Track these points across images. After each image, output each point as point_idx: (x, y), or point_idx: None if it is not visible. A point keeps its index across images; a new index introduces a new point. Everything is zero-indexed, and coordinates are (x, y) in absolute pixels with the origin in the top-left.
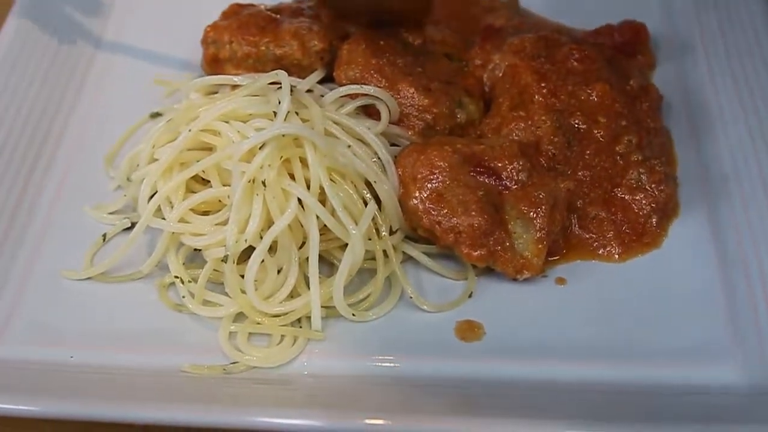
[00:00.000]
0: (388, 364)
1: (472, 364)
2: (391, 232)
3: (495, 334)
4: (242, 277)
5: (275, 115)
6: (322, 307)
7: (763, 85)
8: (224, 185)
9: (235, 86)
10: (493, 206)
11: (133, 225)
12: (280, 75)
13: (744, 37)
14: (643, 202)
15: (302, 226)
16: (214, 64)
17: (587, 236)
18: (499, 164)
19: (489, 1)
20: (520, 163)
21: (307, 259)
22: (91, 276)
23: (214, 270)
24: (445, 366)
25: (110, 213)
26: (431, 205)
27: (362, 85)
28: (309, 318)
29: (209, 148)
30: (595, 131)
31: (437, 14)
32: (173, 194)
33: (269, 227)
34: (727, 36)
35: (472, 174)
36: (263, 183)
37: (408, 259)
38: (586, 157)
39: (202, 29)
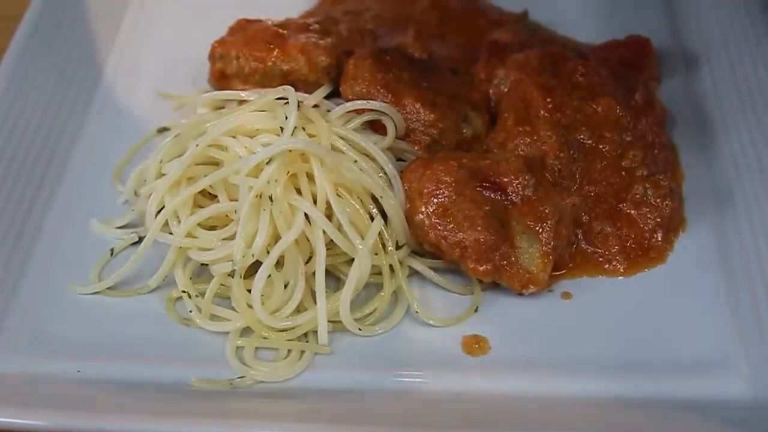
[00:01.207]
0: (394, 379)
1: (478, 378)
2: (398, 247)
3: (501, 349)
4: (249, 291)
5: (282, 131)
6: (328, 321)
7: (767, 99)
8: (231, 200)
9: (242, 101)
10: (499, 221)
11: (140, 239)
12: (287, 90)
13: (749, 52)
14: (648, 216)
15: (309, 240)
16: (221, 80)
17: (592, 251)
18: (505, 179)
19: (497, 15)
20: (526, 178)
21: (314, 273)
22: (99, 290)
23: (221, 284)
24: (451, 380)
25: (118, 227)
26: (437, 220)
27: (368, 101)
28: (316, 332)
29: (216, 163)
30: (601, 146)
31: (444, 28)
32: (180, 209)
33: (276, 242)
34: (732, 51)
35: (477, 189)
36: (270, 198)
37: (414, 273)
38: (592, 172)
39: (209, 44)
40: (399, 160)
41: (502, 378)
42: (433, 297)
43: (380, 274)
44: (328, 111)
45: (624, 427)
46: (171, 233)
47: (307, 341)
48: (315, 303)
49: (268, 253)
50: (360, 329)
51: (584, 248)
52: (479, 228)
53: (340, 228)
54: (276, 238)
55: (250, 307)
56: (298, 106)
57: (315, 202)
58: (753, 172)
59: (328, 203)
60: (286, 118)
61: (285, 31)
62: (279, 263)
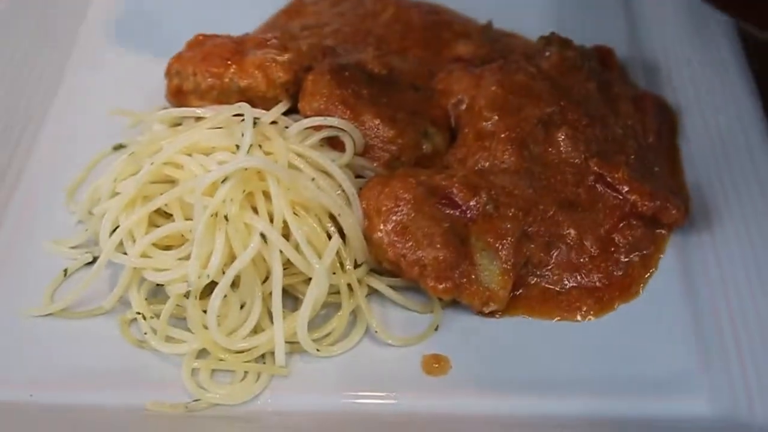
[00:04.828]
0: (353, 400)
1: (438, 398)
2: (356, 266)
3: (462, 368)
4: (205, 312)
5: (238, 148)
6: (286, 342)
7: (729, 113)
8: (187, 219)
9: (198, 118)
10: (459, 238)
11: (94, 260)
12: (244, 107)
13: (711, 65)
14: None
15: (265, 260)
16: (178, 96)
17: (557, 290)
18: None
19: (462, 27)
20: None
21: (271, 293)
22: (52, 312)
23: (177, 305)
24: (411, 401)
25: (71, 247)
26: (396, 238)
27: (326, 117)
28: (273, 354)
29: (172, 181)
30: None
31: (406, 42)
32: (135, 228)
33: (232, 262)
34: (693, 60)
35: (437, 206)
36: (225, 217)
37: (373, 292)
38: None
39: (166, 60)
40: (358, 176)
41: (462, 398)
42: (392, 316)
43: (338, 293)
44: (286, 128)
45: None
46: (125, 253)
47: (264, 362)
48: (272, 323)
49: (224, 273)
50: (318, 350)
51: (546, 287)
52: (438, 246)
53: (297, 247)
54: (232, 258)
55: (206, 328)
56: (255, 123)
57: (271, 221)
58: (716, 192)
59: (285, 222)
60: (243, 135)
61: (243, 47)
62: (235, 283)
